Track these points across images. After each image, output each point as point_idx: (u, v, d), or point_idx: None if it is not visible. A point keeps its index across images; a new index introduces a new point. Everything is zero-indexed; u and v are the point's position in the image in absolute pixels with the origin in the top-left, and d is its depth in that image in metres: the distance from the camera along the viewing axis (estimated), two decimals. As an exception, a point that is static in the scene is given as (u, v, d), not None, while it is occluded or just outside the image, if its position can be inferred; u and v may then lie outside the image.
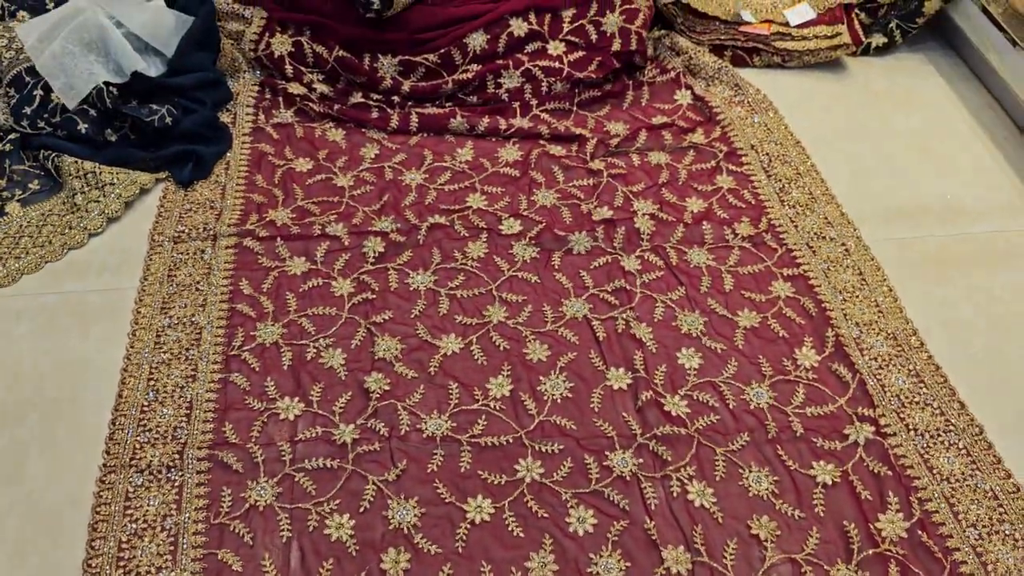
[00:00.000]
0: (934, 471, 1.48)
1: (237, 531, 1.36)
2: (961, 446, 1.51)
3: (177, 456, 1.44)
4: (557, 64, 2.18)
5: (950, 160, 2.11)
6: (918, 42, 2.47)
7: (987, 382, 1.63)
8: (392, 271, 1.77)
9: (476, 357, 1.62)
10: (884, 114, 2.25)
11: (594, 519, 1.39)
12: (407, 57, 2.15)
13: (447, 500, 1.41)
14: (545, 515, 1.40)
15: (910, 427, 1.54)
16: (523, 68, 2.17)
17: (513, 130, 2.09)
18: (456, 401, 1.54)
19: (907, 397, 1.58)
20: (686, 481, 1.45)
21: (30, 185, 1.90)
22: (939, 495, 1.45)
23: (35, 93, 1.98)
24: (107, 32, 2.02)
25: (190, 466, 1.43)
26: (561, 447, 1.48)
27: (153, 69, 2.08)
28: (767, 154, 2.07)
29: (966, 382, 1.61)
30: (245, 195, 1.92)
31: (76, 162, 1.87)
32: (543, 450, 1.48)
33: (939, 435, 1.53)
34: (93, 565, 1.31)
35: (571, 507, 1.41)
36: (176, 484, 1.41)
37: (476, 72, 2.15)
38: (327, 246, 1.81)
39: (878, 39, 2.41)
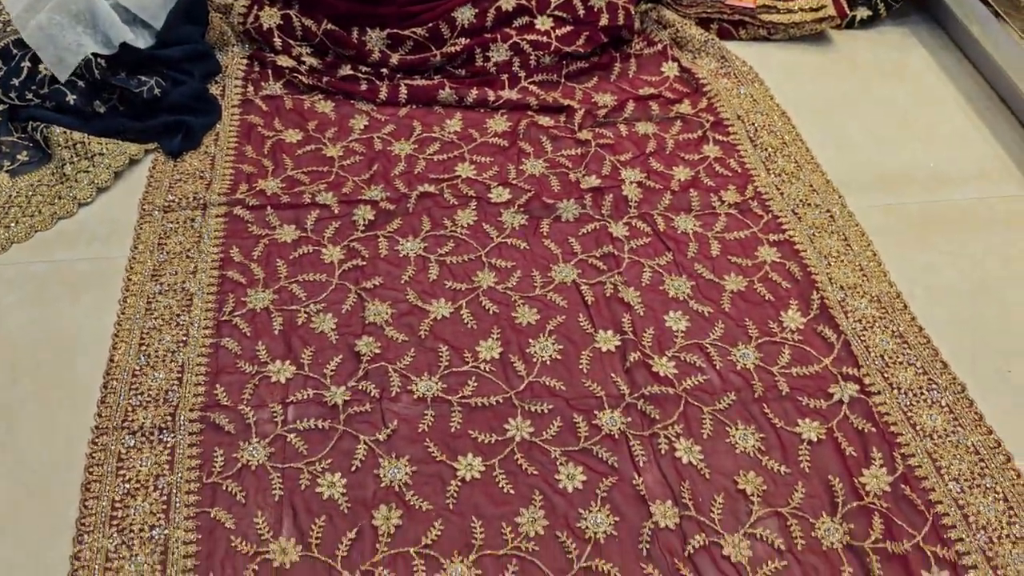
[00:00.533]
0: (917, 428, 1.50)
1: (230, 490, 1.37)
2: (944, 404, 1.54)
3: (169, 418, 1.45)
4: (545, 38, 2.19)
5: (933, 130, 2.14)
6: (902, 15, 2.50)
7: (969, 343, 1.65)
8: (382, 238, 1.78)
9: (466, 321, 1.63)
10: (869, 85, 2.27)
11: (583, 476, 1.41)
12: (395, 31, 2.16)
13: (438, 459, 1.42)
14: (535, 472, 1.42)
15: (894, 386, 1.56)
16: (511, 42, 2.17)
17: (501, 102, 2.10)
18: (446, 363, 1.56)
19: (891, 357, 1.61)
20: (674, 439, 1.47)
21: (19, 156, 1.90)
22: (922, 451, 1.47)
23: (23, 65, 1.98)
24: (95, 3, 2.02)
25: (182, 428, 1.44)
26: (550, 407, 1.50)
27: (141, 41, 2.08)
28: (753, 124, 2.09)
29: (948, 343, 1.64)
30: (235, 165, 1.92)
31: (65, 132, 1.87)
32: (533, 410, 1.50)
33: (922, 393, 1.55)
34: (87, 523, 1.32)
35: (560, 464, 1.43)
36: (168, 445, 1.42)
37: (464, 45, 2.16)
38: (317, 214, 1.82)
39: (863, 12, 2.43)
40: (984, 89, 2.25)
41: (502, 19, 2.18)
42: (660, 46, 2.29)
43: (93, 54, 1.97)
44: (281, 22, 2.16)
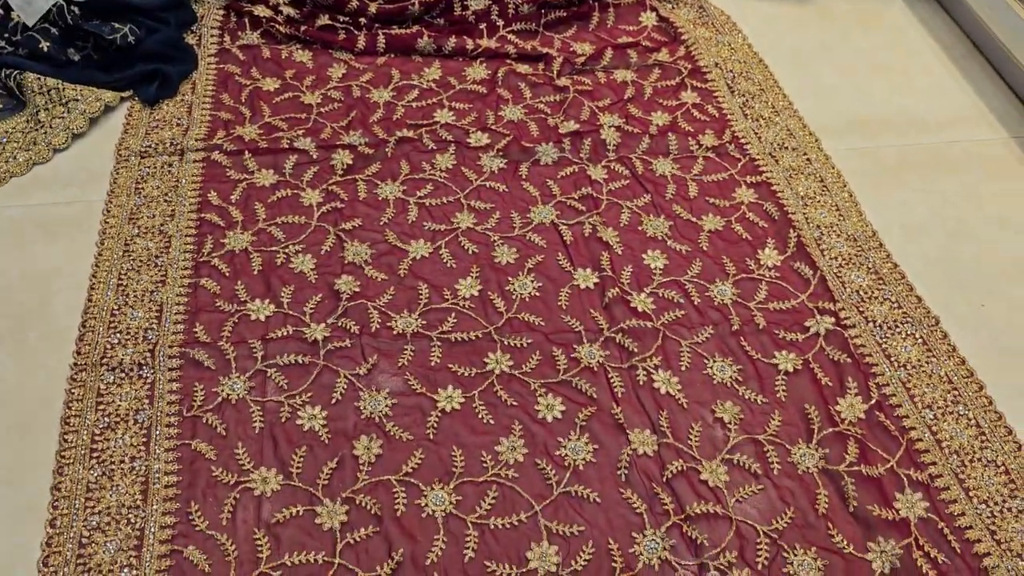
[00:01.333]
0: (891, 359, 1.52)
1: (210, 423, 1.37)
2: (918, 336, 1.56)
3: (148, 355, 1.45)
4: (523, -12, 2.18)
5: (910, 78, 2.15)
6: (880, -33, 2.51)
7: (943, 278, 1.67)
8: (361, 182, 1.77)
9: (445, 260, 1.64)
10: (846, 35, 2.28)
11: (562, 406, 1.43)
12: (373, -21, 2.14)
13: (418, 391, 1.43)
14: (514, 403, 1.43)
15: (869, 319, 1.58)
16: (489, -10, 2.17)
17: (480, 50, 2.09)
18: (426, 301, 1.56)
19: (866, 293, 1.63)
20: (652, 371, 1.48)
21: (-8, 104, 1.88)
22: (896, 380, 1.49)
23: (-7, 12, 1.95)
24: (66, -50, 1.99)
25: (161, 364, 1.44)
26: (529, 341, 1.51)
27: (115, -11, 2.05)
28: (731, 71, 2.10)
29: (923, 280, 1.66)
30: (212, 112, 1.91)
31: (39, 79, 1.85)
32: (512, 344, 1.51)
33: (897, 326, 1.57)
34: (67, 456, 1.32)
35: (539, 396, 1.44)
36: (148, 381, 1.42)
37: (443, -7, 2.15)
38: (295, 159, 1.81)
39: (841, -37, 2.43)
40: (960, 38, 2.27)
41: (480, -33, 2.18)
42: (639, -4, 2.29)
43: (65, 0, 1.94)
44: (257, -30, 2.14)
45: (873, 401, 1.46)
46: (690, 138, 1.91)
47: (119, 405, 1.39)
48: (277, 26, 2.10)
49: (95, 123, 1.88)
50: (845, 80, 2.13)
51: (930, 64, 2.20)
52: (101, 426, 1.36)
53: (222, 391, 1.41)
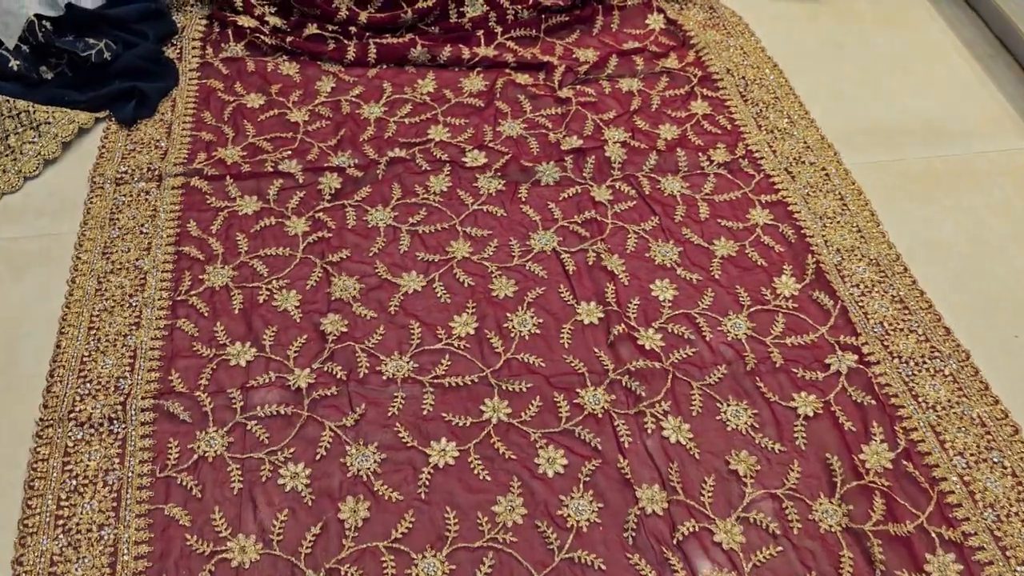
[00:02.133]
0: (919, 399, 1.41)
1: (185, 484, 1.28)
2: (947, 373, 1.45)
3: (120, 407, 1.35)
4: (522, -9, 2.06)
5: (932, 81, 2.02)
6: (901, -40, 2.36)
7: (971, 304, 1.56)
8: (349, 208, 1.67)
9: (439, 295, 1.53)
10: (864, 34, 2.14)
11: (564, 459, 1.32)
12: (364, -14, 2.02)
13: (409, 444, 1.33)
14: (513, 456, 1.32)
15: (894, 354, 1.47)
16: (486, -6, 2.04)
17: (477, 59, 1.97)
18: (418, 341, 1.46)
19: (891, 324, 1.51)
20: (661, 417, 1.37)
21: (-41, 128, 1.78)
22: (925, 424, 1.38)
23: (-40, 29, 1.84)
24: (36, -39, 1.88)
25: (133, 417, 1.34)
26: (529, 385, 1.41)
27: (89, 0, 1.94)
28: (743, 78, 1.97)
29: (951, 307, 1.54)
30: (192, 133, 1.80)
31: (8, 101, 1.75)
32: (510, 389, 1.40)
33: (924, 362, 1.46)
34: (30, 524, 1.23)
35: (540, 448, 1.34)
36: (119, 437, 1.32)
37: (436, 1, 2.02)
38: (280, 184, 1.70)
39: (859, -43, 2.29)
40: (987, 37, 2.13)
41: (476, -31, 2.05)
42: (645, -3, 2.16)
43: (36, 15, 1.83)
44: (240, -22, 2.02)
45: (900, 448, 1.35)
46: (700, 153, 1.79)
47: (87, 465, 1.29)
48: (262, 37, 1.99)
49: (68, 147, 1.77)
50: (864, 85, 2.00)
51: (955, 65, 2.06)
52: (68, 489, 1.27)
53: (198, 447, 1.31)
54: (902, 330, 1.50)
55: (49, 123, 1.76)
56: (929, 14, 2.21)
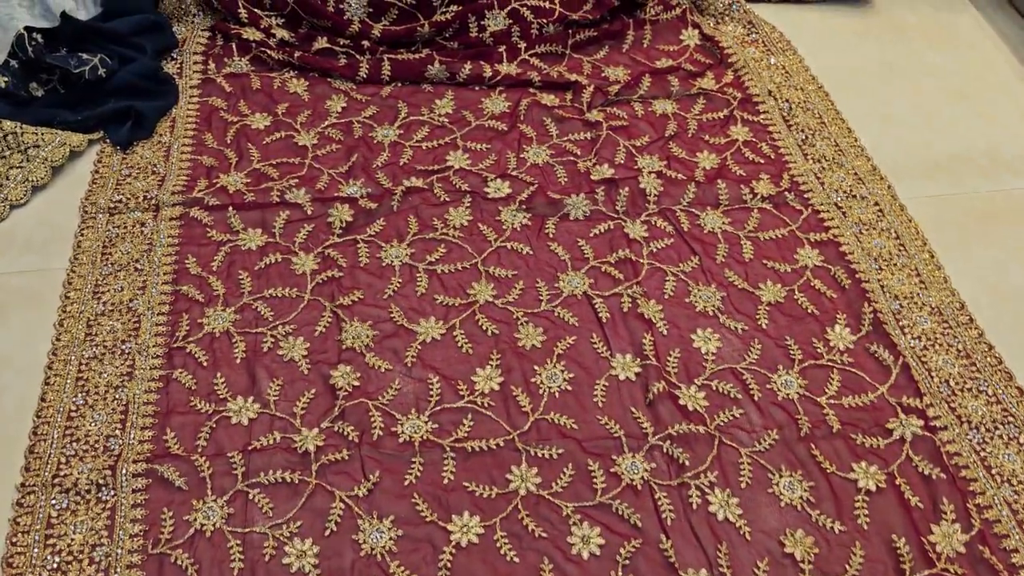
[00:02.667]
0: (993, 471, 1.28)
1: (179, 562, 1.14)
2: (1022, 441, 1.31)
3: (109, 472, 1.22)
4: (548, 3, 1.92)
5: (989, 104, 1.88)
6: (950, -29, 2.22)
7: (1047, 362, 1.42)
8: (362, 244, 1.53)
9: (460, 344, 1.39)
10: (915, 52, 2.00)
11: (600, 539, 1.19)
12: (378, -4, 1.88)
13: (428, 519, 1.20)
14: (543, 535, 1.19)
15: (963, 419, 1.33)
16: (509, 8, 1.90)
17: (499, 77, 1.83)
18: (437, 398, 1.32)
19: (957, 383, 1.37)
20: (707, 489, 1.24)
21: (-58, 149, 1.65)
22: (1000, 500, 1.25)
23: (-55, 42, 1.71)
24: (27, -32, 1.75)
25: (124, 484, 1.21)
26: (560, 451, 1.27)
27: (83, 12, 1.81)
28: (787, 100, 1.83)
29: (1022, 361, 1.40)
30: (192, 157, 1.67)
31: (-7, 122, 1.62)
32: (539, 455, 1.27)
33: (996, 428, 1.32)
34: (7, 610, 1.10)
35: (573, 524, 1.20)
36: (108, 506, 1.19)
37: (456, 13, 1.89)
38: (287, 216, 1.57)
39: (907, -32, 2.15)
40: (1046, 56, 1.99)
41: (499, -19, 1.91)
42: (679, 10, 2.01)
43: (27, 28, 1.70)
44: (246, -12, 1.89)
45: (975, 530, 1.21)
46: (742, 185, 1.66)
47: (72, 539, 1.16)
48: (268, 51, 1.85)
49: (59, 171, 1.64)
50: (917, 108, 1.86)
51: (1013, 87, 1.92)
52: (50, 567, 1.13)
53: (195, 520, 1.18)
54: (970, 390, 1.37)
55: (38, 146, 1.62)
56: (980, 28, 2.07)
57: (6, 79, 1.68)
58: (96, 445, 1.25)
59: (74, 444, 1.25)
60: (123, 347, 1.37)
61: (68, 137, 1.65)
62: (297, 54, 1.84)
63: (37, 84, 1.73)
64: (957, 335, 1.44)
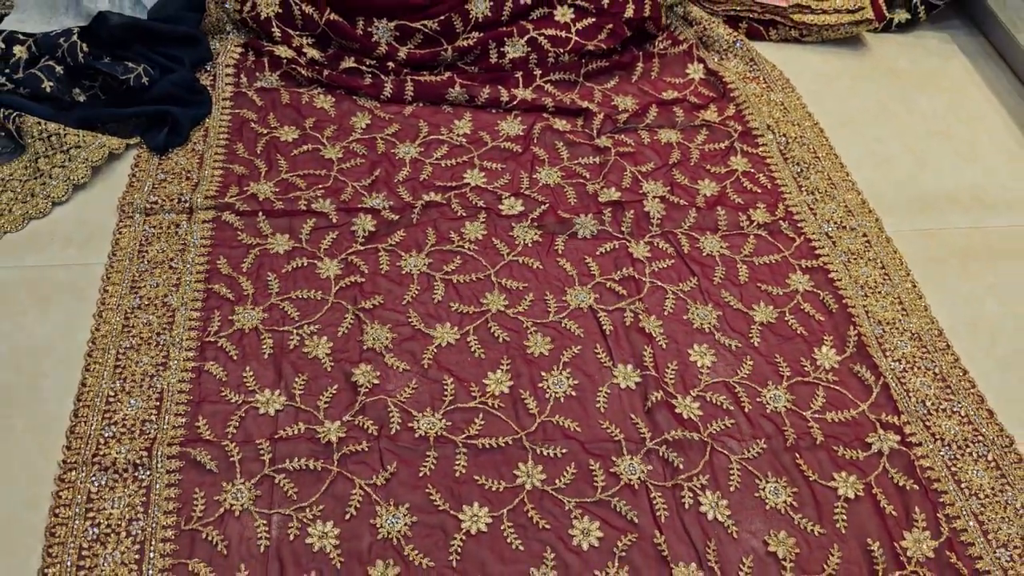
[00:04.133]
0: (962, 485, 1.38)
1: (210, 538, 1.24)
2: (990, 458, 1.42)
3: (145, 453, 1.31)
4: (564, 33, 2.03)
5: (975, 146, 2.00)
6: (942, 19, 2.35)
7: (1016, 386, 1.53)
8: (383, 252, 1.63)
9: (473, 349, 1.50)
10: (906, 95, 2.13)
11: (600, 532, 1.29)
12: (404, 22, 1.99)
13: (440, 508, 1.29)
14: (547, 526, 1.29)
15: (936, 436, 1.44)
16: (528, 36, 2.02)
17: (515, 101, 1.95)
18: (451, 398, 1.42)
19: (933, 404, 1.48)
20: (699, 491, 1.34)
21: (-11, 147, 1.75)
22: (968, 512, 1.35)
23: (-5, 46, 1.82)
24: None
25: (159, 465, 1.30)
26: (564, 451, 1.37)
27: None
28: (784, 135, 1.95)
29: (994, 386, 1.51)
30: (225, 165, 1.77)
31: (39, 123, 1.71)
32: (545, 454, 1.37)
33: (967, 446, 1.43)
34: (49, 574, 1.19)
35: (575, 518, 1.30)
36: (144, 484, 1.28)
37: (478, 39, 2.00)
38: (313, 223, 1.67)
39: (901, 15, 2.28)
40: (1029, 104, 2.12)
41: (519, 12, 2.02)
42: (685, 45, 2.14)
43: (79, 36, 1.80)
44: (280, 10, 1.99)
45: (943, 538, 1.31)
46: (740, 212, 1.77)
47: (111, 513, 1.25)
48: (298, 68, 1.96)
49: (98, 172, 1.74)
50: (906, 147, 1.98)
51: (996, 131, 2.04)
52: (90, 538, 1.22)
53: (225, 500, 1.28)
54: (944, 411, 1.47)
55: (79, 147, 1.72)
56: (968, 74, 2.20)
57: (51, 83, 1.78)
58: (133, 428, 1.35)
59: (112, 427, 1.35)
60: (158, 339, 1.47)
61: (108, 140, 1.75)
62: (326, 72, 1.95)
63: (80, 90, 1.83)
64: (934, 359, 1.55)
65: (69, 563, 1.20)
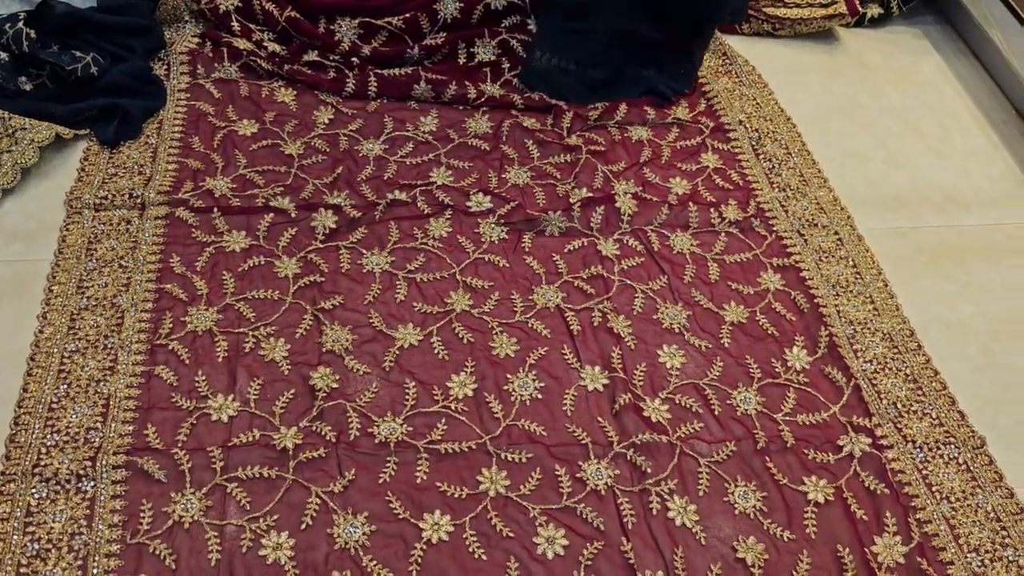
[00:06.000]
0: (933, 488, 1.36)
1: (158, 552, 1.18)
2: (961, 461, 1.40)
3: (89, 463, 1.25)
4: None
5: (946, 144, 1.99)
6: (915, 14, 2.34)
7: (988, 388, 1.51)
8: (344, 250, 1.58)
9: (436, 351, 1.45)
10: (878, 90, 2.11)
11: (565, 540, 1.25)
12: (368, 19, 1.93)
13: (400, 516, 1.25)
14: (511, 534, 1.25)
15: (908, 439, 1.41)
16: (499, 39, 1.97)
17: (483, 99, 1.89)
18: (413, 402, 1.38)
19: (904, 406, 1.46)
20: (666, 496, 1.30)
21: (-70, 139, 1.67)
22: (939, 516, 1.33)
23: (-63, 34, 1.73)
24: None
25: (104, 475, 1.24)
26: (530, 455, 1.33)
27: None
28: (756, 130, 1.92)
29: (966, 388, 1.50)
30: (179, 160, 1.70)
31: (-16, 112, 1.64)
32: (509, 459, 1.32)
33: (938, 448, 1.41)
34: (-15, 592, 1.13)
35: (540, 525, 1.26)
36: (87, 496, 1.22)
37: (445, 39, 1.94)
38: (271, 219, 1.61)
39: (874, 9, 2.26)
40: (1000, 100, 2.10)
41: (490, 17, 1.96)
42: (656, 39, 2.09)
43: (24, 22, 1.72)
44: (240, 4, 1.92)
45: (914, 543, 1.29)
46: (711, 209, 1.73)
47: (52, 527, 1.19)
48: (259, 60, 1.89)
49: (47, 164, 1.67)
50: (878, 144, 1.96)
51: (969, 129, 2.03)
52: (29, 554, 1.16)
53: (174, 512, 1.22)
54: (916, 412, 1.45)
55: (26, 128, 1.64)
56: (941, 72, 2.18)
57: (-4, 73, 1.71)
58: (77, 437, 1.28)
59: (55, 435, 1.28)
60: (106, 342, 1.40)
61: (56, 126, 1.68)
62: (286, 67, 1.88)
63: (26, 79, 1.76)
64: (906, 360, 1.52)
65: (7, 580, 1.14)
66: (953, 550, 1.29)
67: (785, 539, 1.28)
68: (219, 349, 1.41)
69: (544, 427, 1.37)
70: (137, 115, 1.74)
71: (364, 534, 1.23)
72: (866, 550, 1.28)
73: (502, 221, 1.66)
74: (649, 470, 1.33)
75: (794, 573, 1.25)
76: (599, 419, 1.39)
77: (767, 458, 1.37)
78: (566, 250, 1.63)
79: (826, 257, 1.68)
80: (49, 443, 1.27)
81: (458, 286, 1.55)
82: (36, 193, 1.64)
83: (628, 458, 1.34)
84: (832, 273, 1.65)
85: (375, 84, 1.87)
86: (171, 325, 1.43)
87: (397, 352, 1.44)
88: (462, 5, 1.93)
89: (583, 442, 1.35)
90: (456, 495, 1.28)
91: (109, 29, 1.83)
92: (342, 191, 1.67)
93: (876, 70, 2.16)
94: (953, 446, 1.41)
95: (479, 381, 1.41)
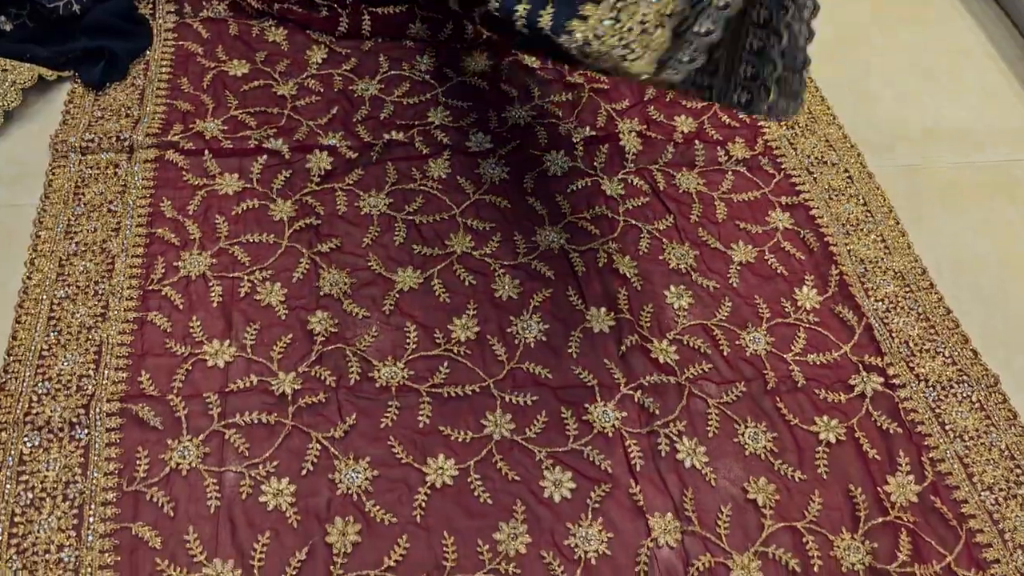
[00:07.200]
0: (947, 427, 1.33)
1: (155, 499, 1.15)
2: (975, 399, 1.37)
3: (82, 411, 1.21)
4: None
5: (958, 80, 1.92)
6: (926, -52, 2.25)
7: (1001, 326, 1.48)
8: (340, 192, 1.53)
9: (437, 294, 1.41)
10: (887, 26, 2.03)
11: (572, 483, 1.22)
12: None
13: (403, 460, 1.22)
14: (517, 478, 1.22)
15: (920, 378, 1.38)
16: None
17: (481, 38, 1.82)
18: (414, 345, 1.34)
19: (916, 344, 1.43)
20: (675, 438, 1.28)
21: (-93, 82, 1.60)
22: (952, 455, 1.30)
23: (-90, -28, 1.66)
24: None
25: (98, 422, 1.21)
26: (535, 398, 1.30)
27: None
28: (763, 68, 1.85)
29: (979, 325, 1.46)
30: (168, 101, 1.64)
31: (-39, 55, 1.57)
32: (514, 402, 1.29)
33: (951, 387, 1.38)
34: (-21, 541, 1.10)
35: (546, 469, 1.23)
36: (81, 444, 1.19)
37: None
38: (264, 161, 1.56)
39: (884, -57, 2.18)
40: (1014, 35, 2.03)
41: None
42: (659, -26, 2.02)
43: (-3, -39, 1.65)
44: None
45: (927, 482, 1.27)
46: (718, 147, 1.68)
47: (45, 476, 1.16)
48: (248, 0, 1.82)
49: (30, 107, 1.61)
50: (888, 81, 1.90)
51: (983, 67, 1.96)
52: (23, 503, 1.13)
53: (170, 459, 1.19)
54: (928, 351, 1.42)
55: (6, 70, 1.58)
56: (954, 8, 2.11)
57: (-26, 13, 1.64)
58: (69, 384, 1.25)
59: (46, 383, 1.25)
60: (96, 288, 1.36)
61: (38, 68, 1.61)
62: (276, 5, 1.81)
63: (6, 18, 1.68)
64: (918, 299, 1.49)
65: (0, 530, 1.11)
66: (967, 488, 1.27)
67: (796, 479, 1.26)
68: (213, 294, 1.37)
69: (549, 370, 1.33)
70: (123, 57, 1.67)
71: (366, 479, 1.20)
72: (879, 489, 1.25)
73: (503, 161, 1.61)
74: (657, 412, 1.30)
75: (806, 513, 1.22)
76: (605, 361, 1.35)
77: (777, 398, 1.34)
78: (569, 190, 1.58)
79: (836, 195, 1.63)
80: (40, 391, 1.23)
81: (458, 227, 1.50)
82: (19, 136, 1.58)
83: (636, 400, 1.31)
84: (842, 211, 1.60)
85: (369, 23, 1.80)
86: (163, 270, 1.39)
87: (397, 295, 1.40)
88: None
89: (589, 384, 1.32)
90: (460, 439, 1.25)
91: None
92: (337, 132, 1.61)
93: (885, 7, 2.09)
94: (967, 384, 1.38)
95: (481, 324, 1.38)
